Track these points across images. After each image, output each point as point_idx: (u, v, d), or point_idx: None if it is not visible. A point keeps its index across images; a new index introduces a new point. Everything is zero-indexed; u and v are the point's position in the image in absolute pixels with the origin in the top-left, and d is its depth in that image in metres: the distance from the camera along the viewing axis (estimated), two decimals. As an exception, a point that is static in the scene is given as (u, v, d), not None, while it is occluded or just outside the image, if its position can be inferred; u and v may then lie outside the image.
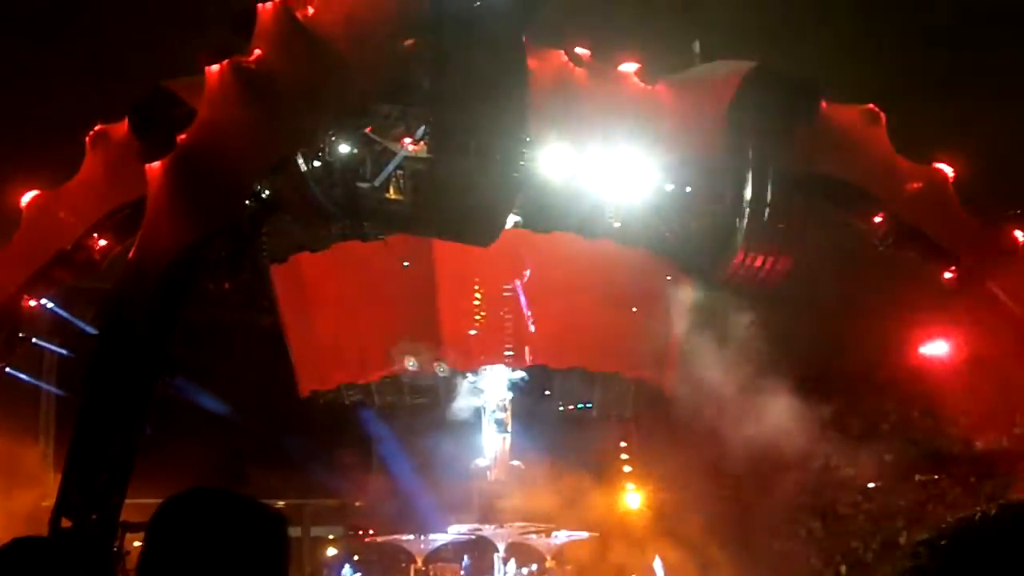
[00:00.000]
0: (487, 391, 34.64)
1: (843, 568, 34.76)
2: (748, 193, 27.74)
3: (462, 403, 34.31)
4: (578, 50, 29.30)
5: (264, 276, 32.31)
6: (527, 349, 32.99)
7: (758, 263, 28.28)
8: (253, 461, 33.66)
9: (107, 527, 22.42)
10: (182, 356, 26.42)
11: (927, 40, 36.29)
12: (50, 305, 28.53)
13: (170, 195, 23.97)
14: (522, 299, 32.34)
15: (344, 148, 27.45)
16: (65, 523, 22.29)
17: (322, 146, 27.08)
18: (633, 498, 38.96)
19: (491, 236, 26.13)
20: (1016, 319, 28.45)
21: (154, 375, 24.38)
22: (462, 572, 37.81)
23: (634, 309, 32.74)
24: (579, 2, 30.96)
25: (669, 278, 32.84)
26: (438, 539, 37.17)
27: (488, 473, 35.05)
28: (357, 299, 32.00)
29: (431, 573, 37.65)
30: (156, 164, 24.08)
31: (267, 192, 27.96)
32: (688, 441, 33.01)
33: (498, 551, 35.92)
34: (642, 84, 29.46)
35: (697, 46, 30.38)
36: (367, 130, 27.63)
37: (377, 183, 27.71)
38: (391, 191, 28.02)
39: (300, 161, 26.66)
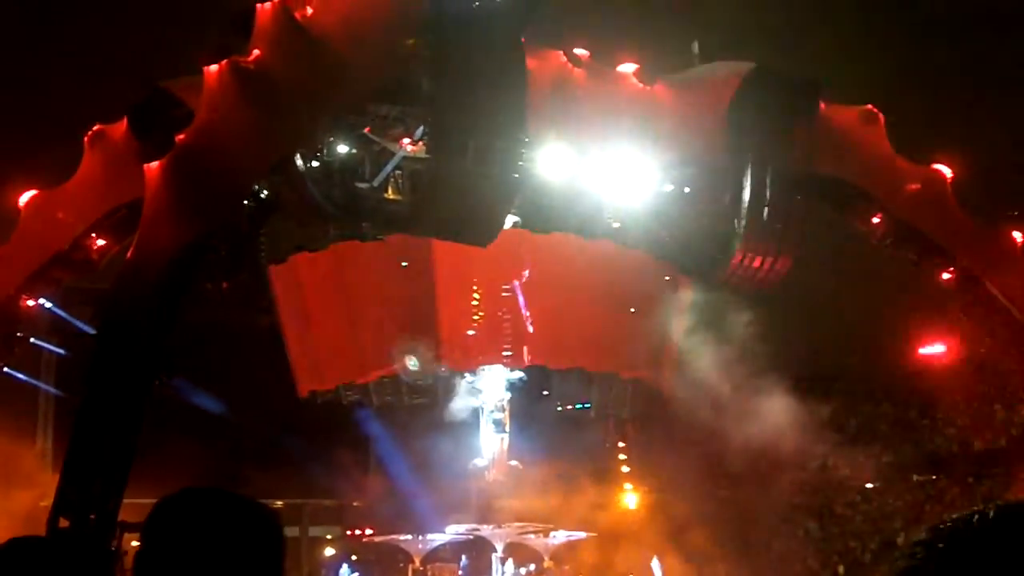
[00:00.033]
0: (485, 391, 34.67)
1: (841, 568, 34.78)
2: (747, 194, 27.76)
3: (460, 403, 34.32)
4: (577, 51, 29.30)
5: (262, 276, 32.29)
6: (525, 349, 33.00)
7: (756, 263, 28.30)
8: (251, 461, 33.65)
9: (105, 527, 22.42)
10: (181, 356, 26.43)
11: (926, 41, 36.33)
12: (48, 305, 28.52)
13: (168, 195, 23.96)
14: (521, 299, 32.34)
15: (343, 148, 27.45)
16: (63, 523, 22.29)
17: (321, 146, 27.08)
18: (631, 498, 38.97)
19: (490, 236, 26.14)
20: (1014, 320, 28.47)
21: (152, 375, 24.38)
22: (460, 572, 37.83)
23: (632, 309, 32.74)
24: (578, 2, 30.98)
25: (668, 278, 32.86)
26: (436, 539, 37.19)
27: (486, 473, 35.05)
28: (356, 299, 32.01)
29: (429, 573, 37.67)
30: (154, 164, 24.07)
31: (266, 192, 27.96)
32: (686, 441, 33.06)
33: (496, 551, 35.95)
34: (641, 85, 29.46)
35: (696, 46, 30.39)
36: (366, 130, 27.63)
37: (376, 183, 27.70)
38: (390, 191, 28.02)
39: (299, 161, 26.65)
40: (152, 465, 22.18)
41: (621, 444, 39.70)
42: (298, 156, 26.58)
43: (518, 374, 34.40)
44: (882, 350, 36.51)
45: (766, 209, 27.68)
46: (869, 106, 29.14)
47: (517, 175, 25.29)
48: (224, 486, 2.75)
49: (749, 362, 30.25)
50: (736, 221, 28.18)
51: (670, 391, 32.75)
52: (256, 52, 24.74)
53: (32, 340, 29.78)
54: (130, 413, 23.46)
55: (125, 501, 22.75)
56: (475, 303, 32.52)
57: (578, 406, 36.37)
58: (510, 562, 36.29)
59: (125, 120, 26.64)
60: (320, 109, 25.62)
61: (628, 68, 29.63)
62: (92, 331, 27.15)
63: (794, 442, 30.74)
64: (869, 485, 36.38)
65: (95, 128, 27.29)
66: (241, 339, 34.55)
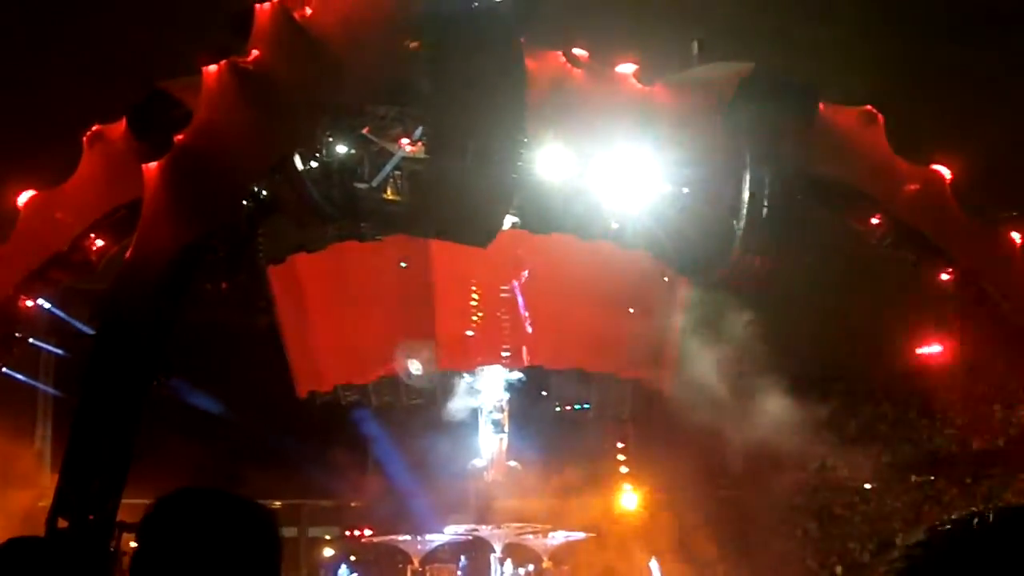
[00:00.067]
0: (484, 391, 34.65)
1: (839, 569, 34.80)
2: (746, 194, 27.74)
3: (459, 403, 34.29)
4: (576, 51, 29.26)
5: (261, 277, 32.25)
6: (524, 349, 32.99)
7: (755, 264, 28.29)
8: (250, 461, 33.60)
9: (104, 527, 22.40)
10: (179, 356, 26.40)
11: (926, 41, 36.32)
12: (47, 305, 28.51)
13: (167, 195, 23.96)
14: (519, 300, 32.33)
15: (341, 149, 27.43)
16: (62, 523, 22.27)
17: (319, 146, 27.06)
18: (630, 498, 38.96)
19: (488, 236, 26.14)
20: (1013, 320, 28.48)
21: (151, 376, 24.37)
22: (459, 573, 37.83)
23: (631, 310, 32.72)
24: (578, 2, 30.94)
25: (667, 279, 32.84)
26: (435, 540, 37.18)
27: (485, 474, 35.04)
28: (354, 299, 31.99)
29: (428, 574, 37.66)
30: (153, 164, 24.06)
31: (264, 192, 27.91)
32: (685, 442, 33.05)
33: (495, 552, 35.94)
34: (640, 85, 29.44)
35: (696, 47, 30.36)
36: (364, 131, 27.62)
37: (374, 183, 27.70)
38: (388, 191, 28.01)
39: (297, 161, 26.61)
40: (151, 465, 22.19)
41: (620, 445, 39.66)
42: (297, 156, 26.55)
43: (517, 374, 34.38)
44: (881, 350, 36.54)
45: (765, 209, 27.67)
46: (868, 107, 29.15)
47: (516, 175, 25.30)
48: (222, 486, 2.74)
49: (748, 362, 30.27)
50: (735, 222, 28.17)
51: (669, 391, 32.76)
52: (255, 52, 24.74)
53: (31, 340, 29.77)
54: (128, 413, 23.45)
55: (124, 501, 22.75)
56: (474, 303, 32.50)
57: (577, 406, 36.35)
58: (509, 562, 36.27)
59: (124, 120, 26.61)
60: (319, 109, 25.63)
61: (627, 68, 29.60)
62: (91, 332, 27.12)
63: (793, 442, 30.75)
64: (868, 485, 36.41)
65: (94, 128, 27.27)
66: (239, 339, 34.52)
